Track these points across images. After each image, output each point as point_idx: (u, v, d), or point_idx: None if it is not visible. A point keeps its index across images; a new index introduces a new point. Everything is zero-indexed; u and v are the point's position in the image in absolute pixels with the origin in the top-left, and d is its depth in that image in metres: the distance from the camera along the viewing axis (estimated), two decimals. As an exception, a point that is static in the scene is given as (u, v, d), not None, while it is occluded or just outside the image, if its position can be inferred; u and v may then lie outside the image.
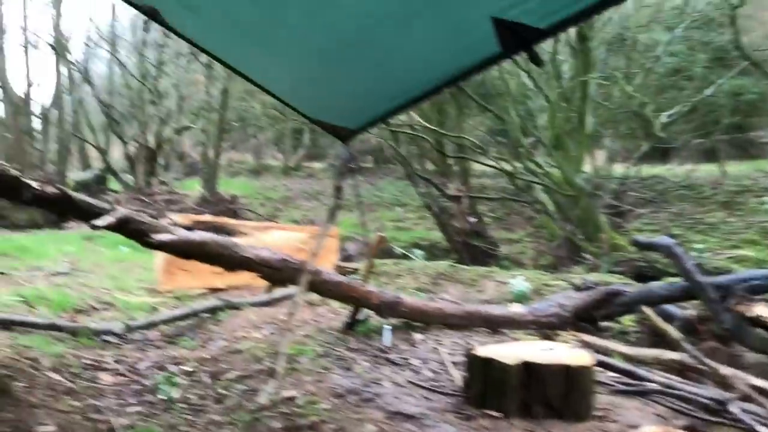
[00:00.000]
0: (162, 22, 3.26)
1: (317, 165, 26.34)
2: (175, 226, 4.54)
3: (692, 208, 15.14)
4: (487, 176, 17.97)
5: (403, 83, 3.30)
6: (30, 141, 17.84)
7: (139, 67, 20.57)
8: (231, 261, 4.22)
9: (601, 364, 4.04)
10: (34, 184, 3.42)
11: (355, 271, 7.67)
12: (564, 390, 3.29)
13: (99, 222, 3.46)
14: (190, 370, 4.16)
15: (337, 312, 5.46)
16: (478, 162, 14.60)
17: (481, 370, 3.45)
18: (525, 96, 13.68)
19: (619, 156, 17.13)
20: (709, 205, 15.15)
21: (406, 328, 4.92)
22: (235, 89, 19.31)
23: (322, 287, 4.64)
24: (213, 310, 5.51)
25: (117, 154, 23.00)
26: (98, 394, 3.64)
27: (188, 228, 4.49)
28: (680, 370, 4.22)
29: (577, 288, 5.87)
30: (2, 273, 7.27)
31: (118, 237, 3.98)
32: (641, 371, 4.03)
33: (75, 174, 20.73)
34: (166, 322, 5.33)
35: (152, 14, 3.14)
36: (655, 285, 5.75)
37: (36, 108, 19.42)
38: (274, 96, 4.10)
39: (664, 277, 7.34)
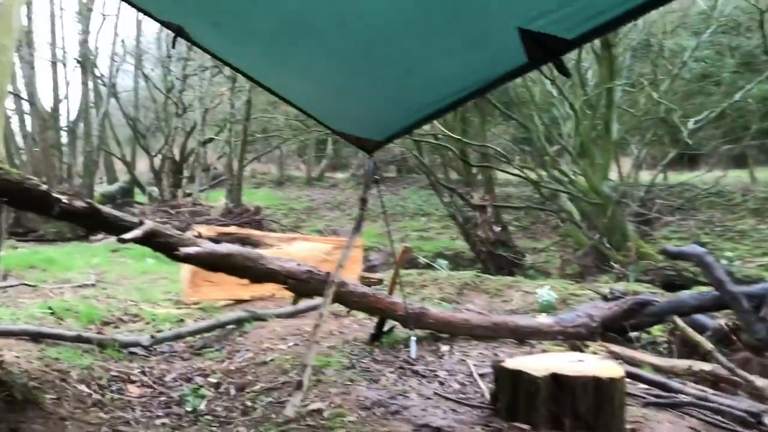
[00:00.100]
0: (188, 38, 3.31)
1: (340, 175, 26.49)
2: (200, 238, 4.57)
3: (722, 216, 14.92)
4: (512, 185, 17.91)
5: (429, 94, 3.28)
6: (58, 155, 18.14)
7: (164, 81, 20.90)
8: (257, 273, 4.22)
9: (631, 375, 3.96)
10: (63, 198, 3.44)
11: (379, 281, 7.65)
12: (594, 402, 3.22)
13: (127, 236, 3.47)
14: (216, 381, 4.18)
15: (363, 323, 5.44)
16: (502, 170, 14.54)
17: (509, 382, 3.40)
18: (549, 104, 13.60)
19: (645, 163, 16.94)
20: (739, 212, 14.91)
21: (431, 339, 4.88)
22: (258, 101, 19.51)
23: (347, 299, 4.62)
24: (239, 322, 5.51)
25: (143, 167, 23.38)
26: (126, 407, 3.67)
27: (214, 240, 4.51)
28: (713, 381, 4.14)
29: (605, 298, 5.81)
30: (31, 285, 7.39)
31: (145, 249, 4.00)
32: (673, 383, 3.96)
33: (101, 187, 21.06)
34: (192, 333, 5.35)
35: (179, 31, 3.19)
36: (685, 294, 5.68)
37: (63, 122, 19.78)
38: (298, 108, 4.12)
39: (694, 285, 7.23)
